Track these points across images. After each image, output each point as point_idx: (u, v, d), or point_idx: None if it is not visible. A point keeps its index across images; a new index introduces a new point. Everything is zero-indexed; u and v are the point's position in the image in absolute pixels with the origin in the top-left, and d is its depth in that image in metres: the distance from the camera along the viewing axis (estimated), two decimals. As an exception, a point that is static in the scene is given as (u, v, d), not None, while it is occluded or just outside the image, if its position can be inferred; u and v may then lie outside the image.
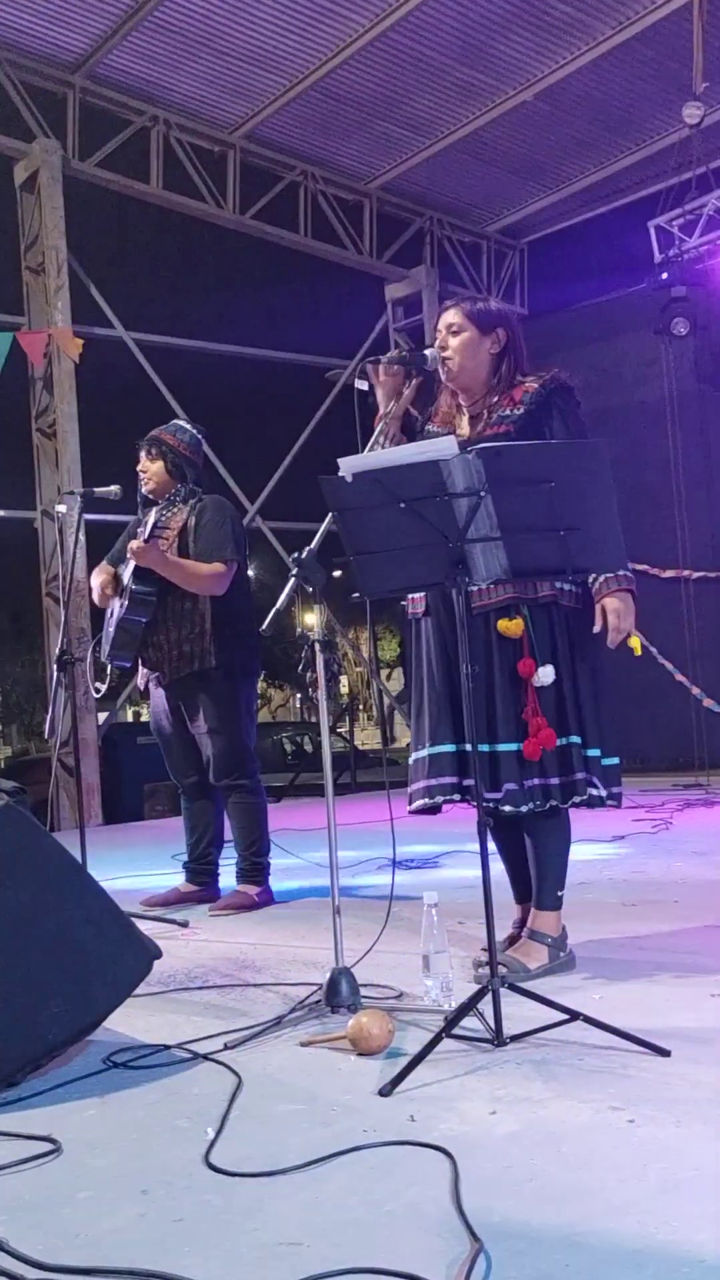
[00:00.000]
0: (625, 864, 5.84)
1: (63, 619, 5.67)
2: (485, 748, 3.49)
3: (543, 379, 3.69)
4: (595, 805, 3.59)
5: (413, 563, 3.15)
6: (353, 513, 3.08)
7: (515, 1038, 2.86)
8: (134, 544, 5.07)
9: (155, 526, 5.15)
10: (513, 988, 2.96)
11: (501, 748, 3.51)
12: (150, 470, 5.30)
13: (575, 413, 3.69)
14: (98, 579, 5.40)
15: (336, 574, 3.62)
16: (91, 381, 11.11)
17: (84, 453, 10.78)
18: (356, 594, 3.27)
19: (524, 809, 3.49)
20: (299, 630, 3.85)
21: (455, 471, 2.93)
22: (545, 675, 3.50)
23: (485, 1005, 2.89)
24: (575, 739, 3.56)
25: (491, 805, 3.47)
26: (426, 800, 3.64)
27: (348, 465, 3.01)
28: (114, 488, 5.26)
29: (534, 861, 3.68)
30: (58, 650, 5.37)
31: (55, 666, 5.24)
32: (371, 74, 10.93)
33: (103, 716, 12.13)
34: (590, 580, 3.58)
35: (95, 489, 5.26)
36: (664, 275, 10.57)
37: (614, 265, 12.58)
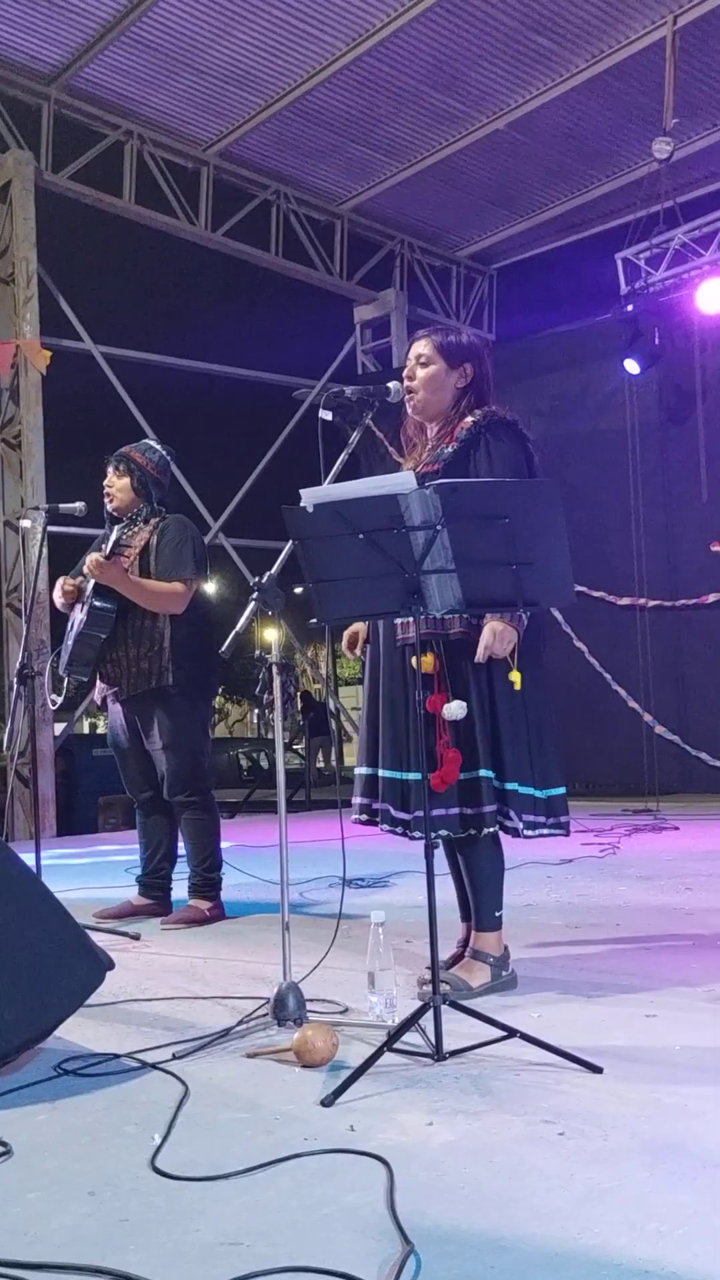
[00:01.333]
0: (571, 886, 5.95)
1: (24, 631, 5.71)
2: (398, 775, 3.66)
3: (479, 416, 3.76)
4: (520, 835, 3.67)
5: (370, 592, 3.24)
6: (313, 542, 3.18)
7: (454, 1053, 2.96)
8: (94, 558, 5.15)
9: (116, 544, 5.23)
10: (454, 1005, 3.06)
11: (411, 776, 3.65)
12: (116, 486, 5.38)
13: (506, 446, 3.71)
14: (61, 583, 5.46)
15: (298, 590, 3.71)
16: (58, 394, 11.17)
17: (48, 464, 10.83)
18: (314, 620, 3.37)
19: (420, 835, 3.51)
20: (258, 651, 3.95)
21: (413, 505, 3.03)
22: (456, 710, 3.58)
23: (427, 1021, 2.99)
24: (486, 773, 3.62)
25: (401, 828, 3.67)
26: (365, 816, 3.82)
27: (310, 496, 3.11)
28: (79, 504, 5.34)
29: (469, 884, 3.79)
30: (18, 663, 5.43)
31: (15, 679, 5.31)
32: (347, 97, 11.10)
33: (59, 728, 12.15)
34: None
35: (60, 505, 5.34)
36: (629, 307, 10.73)
37: (581, 295, 12.79)
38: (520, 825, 3.65)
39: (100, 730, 30.74)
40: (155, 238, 12.30)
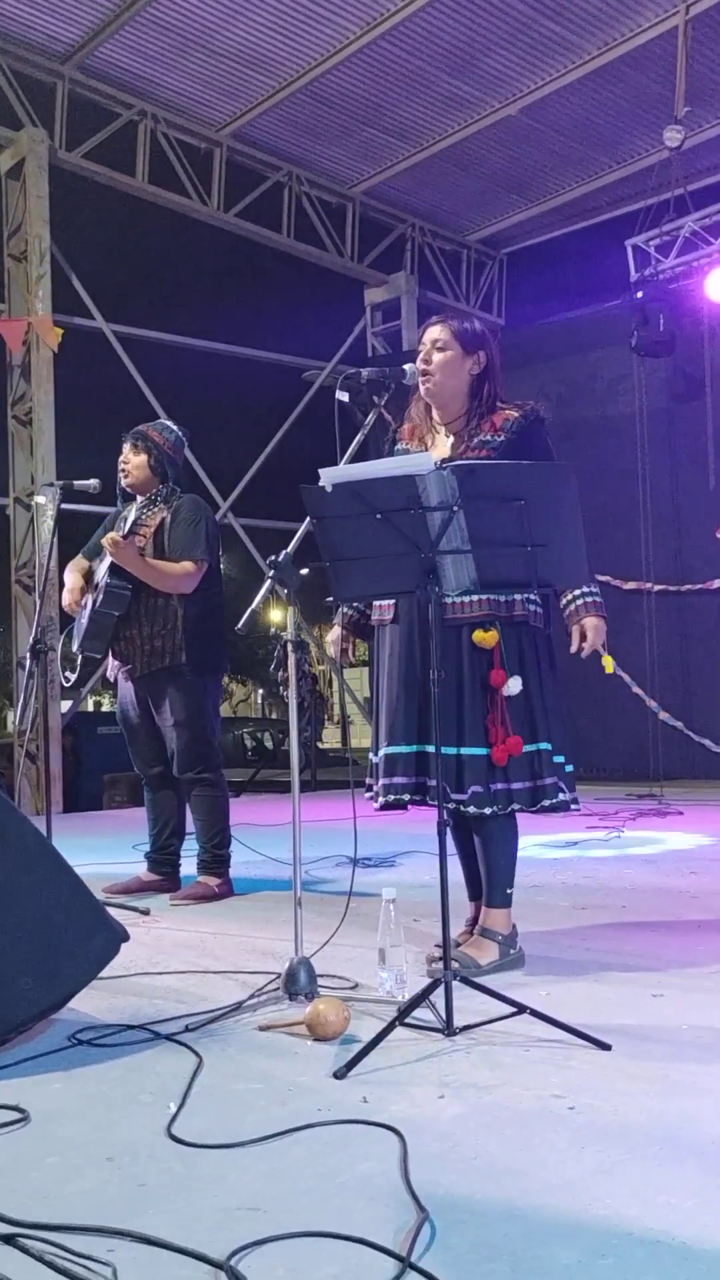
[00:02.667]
0: (578, 868, 5.99)
1: (37, 607, 5.75)
2: (452, 750, 3.63)
3: (523, 409, 3.84)
4: (560, 809, 3.76)
5: (386, 571, 3.28)
6: (331, 521, 3.21)
7: (465, 1028, 3.00)
8: (111, 536, 5.17)
9: (133, 524, 5.26)
10: (465, 981, 3.10)
11: (467, 751, 3.65)
12: (133, 463, 5.40)
13: (548, 445, 3.84)
14: (71, 577, 5.49)
15: (304, 571, 3.74)
16: (69, 371, 11.19)
17: (58, 442, 10.85)
18: (330, 598, 3.40)
19: (486, 811, 3.63)
20: (272, 630, 3.98)
21: (430, 486, 3.06)
22: (514, 685, 3.65)
23: (437, 997, 3.03)
24: (545, 745, 3.72)
25: (454, 806, 3.62)
26: (391, 797, 3.76)
27: (328, 476, 3.14)
28: (93, 481, 5.38)
29: (483, 862, 3.83)
30: (31, 639, 5.46)
31: (29, 655, 5.34)
32: (360, 80, 11.08)
33: (66, 705, 12.19)
34: (564, 603, 3.80)
35: (75, 481, 5.37)
36: (639, 294, 10.74)
37: (591, 281, 12.78)
38: (570, 799, 3.76)
39: (105, 708, 30.80)
40: (167, 217, 12.29)
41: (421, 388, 3.91)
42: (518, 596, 3.69)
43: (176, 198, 12.07)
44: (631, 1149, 2.27)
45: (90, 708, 30.89)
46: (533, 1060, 2.83)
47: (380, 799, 3.80)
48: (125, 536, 5.20)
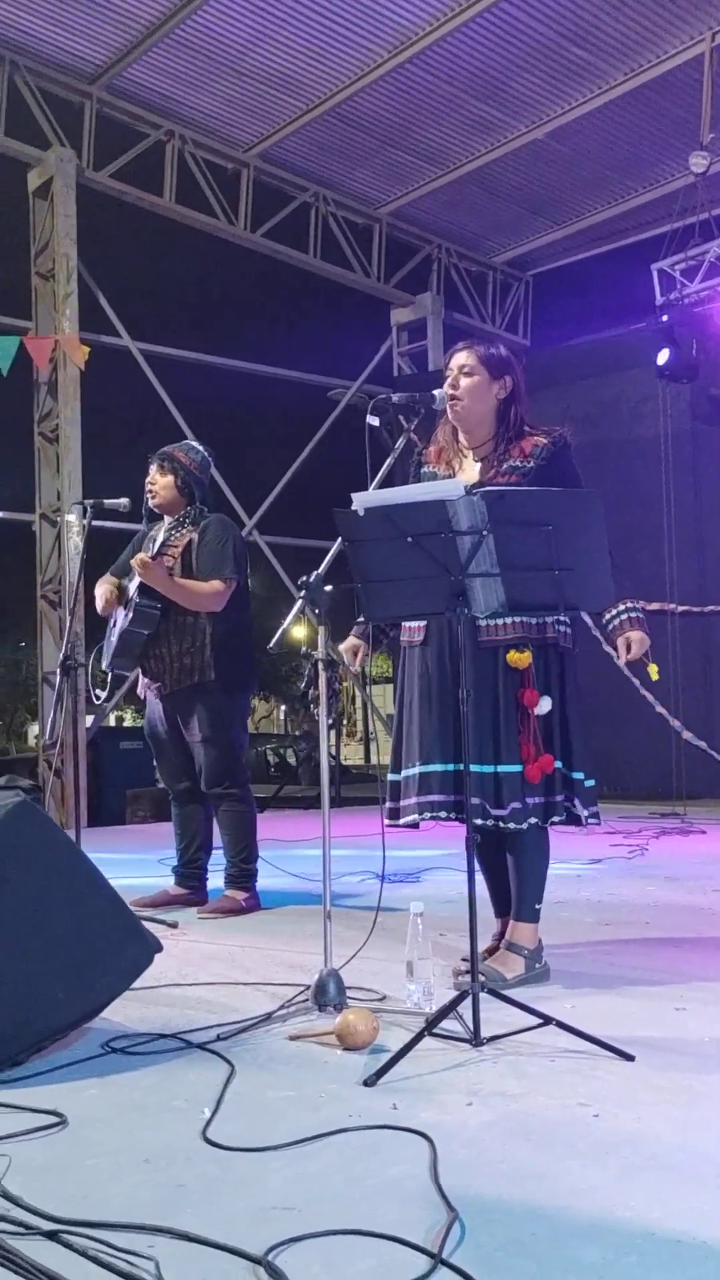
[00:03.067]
0: (601, 885, 6.05)
1: (67, 624, 5.85)
2: (489, 769, 3.73)
3: (551, 435, 3.93)
4: (574, 823, 3.84)
5: (416, 593, 3.36)
6: (363, 544, 3.30)
7: (492, 1039, 3.07)
8: (140, 557, 5.26)
9: (162, 545, 5.35)
10: (492, 993, 3.17)
11: (504, 769, 3.73)
12: (160, 484, 5.49)
13: (576, 471, 3.93)
14: (101, 589, 5.57)
15: (328, 588, 3.83)
16: (96, 389, 11.31)
17: (84, 459, 10.96)
18: (361, 619, 3.49)
19: (524, 826, 3.72)
20: (303, 650, 4.05)
21: (460, 511, 3.14)
22: (545, 705, 3.76)
23: (465, 1009, 3.10)
24: (559, 764, 3.80)
25: (494, 822, 3.70)
26: (415, 816, 3.84)
27: (360, 500, 3.22)
28: (123, 500, 5.48)
29: (514, 876, 3.89)
30: (61, 655, 5.55)
31: (59, 670, 5.43)
32: (387, 103, 11.19)
33: (89, 720, 12.29)
34: (606, 619, 3.94)
35: (105, 500, 5.47)
36: (664, 318, 10.82)
37: (616, 303, 12.86)
38: (585, 814, 3.83)
39: (128, 723, 30.92)
40: (195, 237, 12.41)
41: (449, 412, 3.99)
42: (549, 619, 3.78)
43: (203, 218, 12.19)
44: (654, 1156, 2.34)
45: (112, 722, 31.04)
46: (558, 1070, 2.89)
47: (413, 816, 3.87)
48: (154, 557, 5.29)
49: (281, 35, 10.14)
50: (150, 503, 5.55)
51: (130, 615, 5.32)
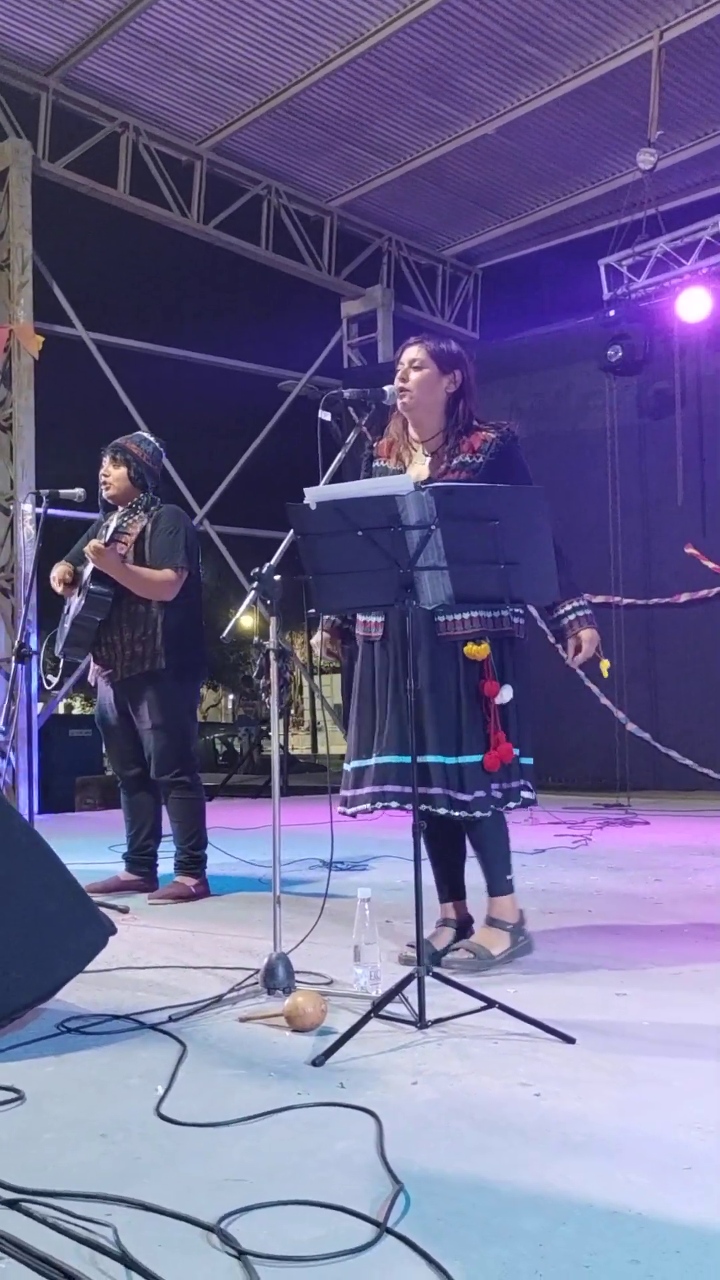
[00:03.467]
0: (545, 875, 6.15)
1: (20, 612, 5.89)
2: (451, 759, 3.86)
3: (500, 430, 4.05)
4: (528, 805, 4.03)
5: (366, 585, 3.45)
6: (314, 537, 3.38)
7: (436, 1021, 3.16)
8: (94, 543, 5.33)
9: (115, 532, 5.42)
10: (436, 975, 3.26)
11: (465, 759, 3.87)
12: (113, 475, 5.56)
13: (524, 464, 4.04)
14: (57, 570, 5.64)
15: (278, 577, 3.92)
16: (50, 378, 11.30)
17: (38, 447, 10.95)
18: (312, 609, 3.57)
19: (487, 813, 3.88)
20: (255, 640, 4.13)
21: (409, 506, 3.23)
22: (506, 694, 3.89)
23: (411, 991, 3.19)
24: (516, 750, 3.95)
25: (461, 811, 3.85)
26: (368, 805, 3.95)
27: (313, 495, 3.30)
28: (79, 490, 5.53)
29: (481, 859, 4.05)
30: (16, 642, 5.60)
31: (14, 658, 5.48)
32: (339, 97, 11.24)
33: (40, 708, 12.28)
34: (557, 616, 4.07)
35: (61, 490, 5.51)
36: (611, 313, 10.95)
37: (564, 298, 12.97)
38: (533, 796, 4.03)
39: (76, 711, 30.83)
40: (148, 228, 12.40)
41: (399, 403, 4.08)
42: (504, 611, 3.89)
43: (157, 209, 12.19)
44: (593, 1133, 2.43)
45: (62, 710, 30.95)
46: (501, 1052, 2.98)
47: (364, 805, 3.97)
48: (106, 544, 5.35)
49: (235, 30, 10.16)
50: (104, 494, 5.63)
51: (83, 601, 5.39)
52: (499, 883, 4.05)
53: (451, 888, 4.19)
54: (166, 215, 12.27)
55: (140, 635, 5.41)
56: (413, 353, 4.10)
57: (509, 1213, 2.05)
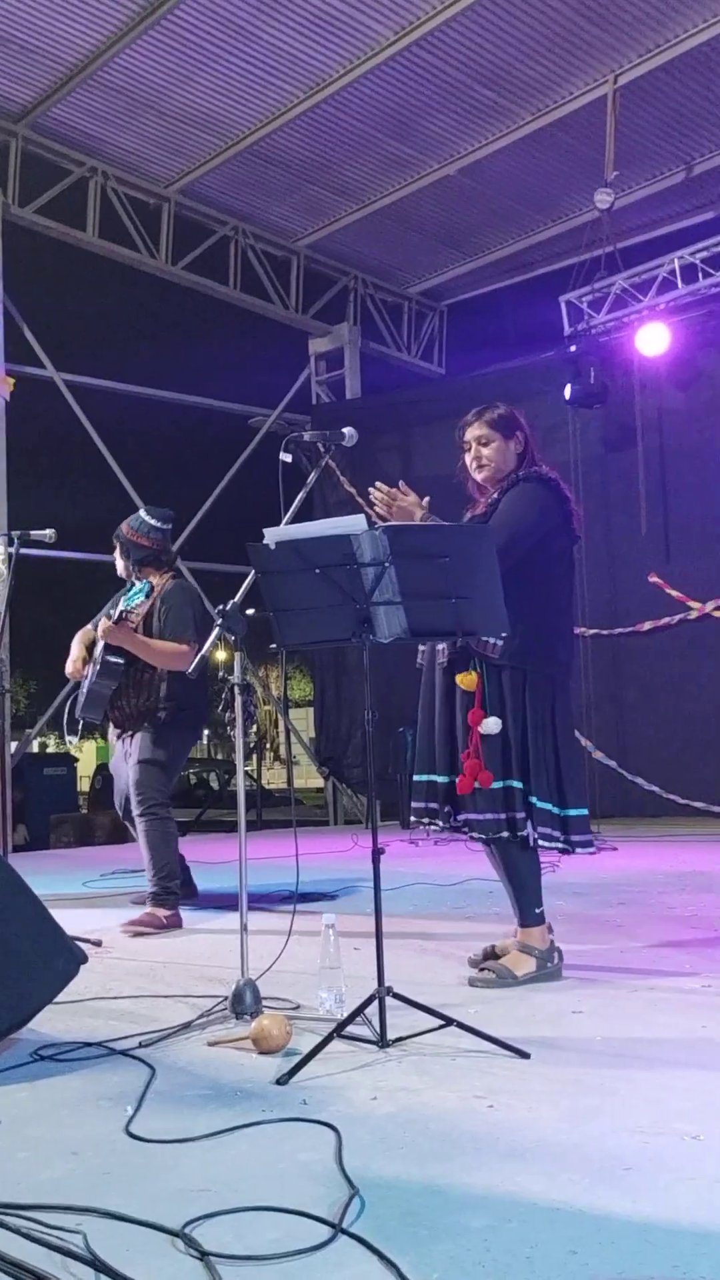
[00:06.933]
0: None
1: (-5, 652, 6.02)
2: (443, 778, 4.19)
3: (524, 473, 4.31)
4: (530, 846, 4.14)
5: (324, 620, 3.60)
6: (275, 575, 3.53)
7: (397, 1040, 3.28)
8: (105, 624, 5.69)
9: (123, 612, 5.67)
10: (396, 996, 3.38)
11: (442, 779, 4.19)
12: (120, 563, 6.05)
13: (518, 495, 4.24)
14: (75, 648, 6.06)
15: (250, 611, 4.06)
16: (21, 419, 11.43)
17: (9, 486, 11.04)
18: (274, 645, 3.71)
19: (491, 836, 4.13)
20: (220, 673, 4.28)
21: (364, 544, 3.38)
22: (491, 725, 4.06)
23: (373, 1012, 3.31)
24: (516, 783, 4.09)
25: (465, 828, 4.19)
26: (414, 819, 4.35)
27: (272, 535, 3.45)
28: (49, 531, 5.67)
29: (509, 886, 4.25)
30: (-10, 682, 5.74)
31: (-10, 698, 5.61)
32: (304, 141, 11.46)
33: (13, 746, 12.35)
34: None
35: (32, 531, 5.64)
36: (572, 348, 11.16)
37: (527, 333, 13.22)
38: (534, 835, 4.10)
39: (50, 749, 30.82)
40: (118, 270, 12.62)
41: (478, 476, 4.38)
42: (490, 640, 4.01)
43: (126, 251, 12.39)
44: (541, 1138, 2.56)
45: (35, 748, 30.97)
46: (459, 1068, 3.11)
47: (414, 819, 4.37)
48: (117, 621, 5.65)
49: (201, 76, 10.38)
50: (119, 574, 6.10)
51: (98, 669, 5.74)
52: (527, 914, 4.23)
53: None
54: (135, 257, 12.47)
55: (146, 699, 5.78)
56: (475, 430, 4.38)
57: (457, 1212, 2.18)
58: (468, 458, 4.40)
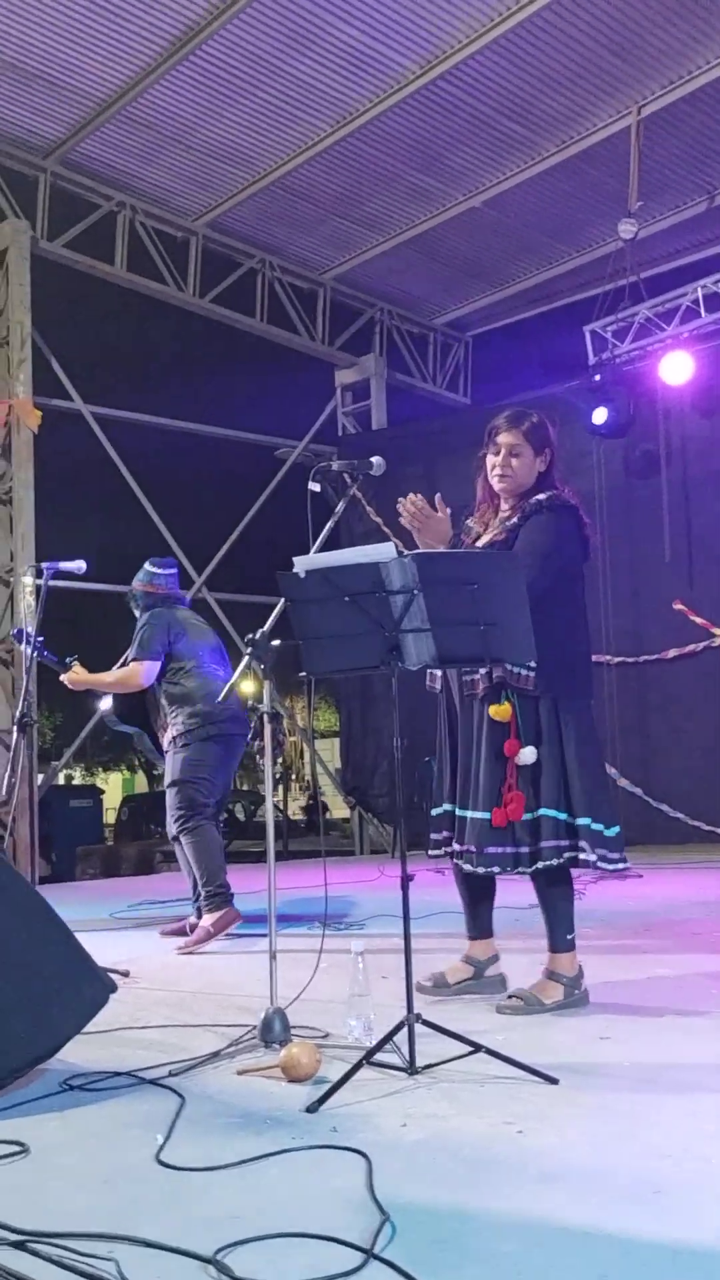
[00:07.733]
0: (539, 927, 6.21)
1: (21, 684, 6.07)
2: (465, 813, 4.14)
3: (546, 497, 4.25)
4: (594, 867, 4.15)
5: (353, 648, 3.62)
6: (304, 603, 3.55)
7: (426, 1067, 3.29)
8: (65, 677, 6.07)
9: (67, 659, 6.09)
10: (426, 1023, 3.38)
11: (474, 814, 4.11)
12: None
13: (544, 525, 4.19)
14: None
15: (276, 643, 4.09)
16: (49, 452, 11.52)
17: (37, 518, 11.13)
18: (303, 672, 3.73)
19: (493, 870, 4.11)
20: (249, 703, 4.31)
21: (393, 572, 3.40)
22: (528, 755, 4.06)
23: (402, 1039, 3.31)
24: (546, 812, 4.08)
25: (482, 867, 4.13)
26: (434, 851, 4.35)
27: (302, 563, 3.48)
28: (79, 563, 5.75)
29: (544, 912, 4.26)
30: (18, 713, 5.76)
31: (16, 728, 5.64)
32: (331, 174, 11.55)
33: (39, 779, 12.40)
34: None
35: (62, 563, 5.70)
36: (596, 377, 11.19)
37: (552, 362, 13.24)
38: (595, 858, 4.10)
39: (76, 781, 30.90)
40: (145, 303, 12.70)
41: (497, 485, 4.32)
42: (522, 670, 4.02)
43: (154, 284, 12.48)
44: (569, 1164, 2.56)
45: (61, 781, 31.06)
46: (487, 1094, 3.11)
47: (434, 851, 4.37)
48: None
49: (228, 112, 10.48)
50: None
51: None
52: (559, 940, 4.23)
53: (479, 928, 4.51)
54: (163, 290, 12.56)
55: (163, 720, 6.12)
56: (508, 438, 4.29)
57: (488, 1237, 2.18)
58: (491, 459, 4.33)
